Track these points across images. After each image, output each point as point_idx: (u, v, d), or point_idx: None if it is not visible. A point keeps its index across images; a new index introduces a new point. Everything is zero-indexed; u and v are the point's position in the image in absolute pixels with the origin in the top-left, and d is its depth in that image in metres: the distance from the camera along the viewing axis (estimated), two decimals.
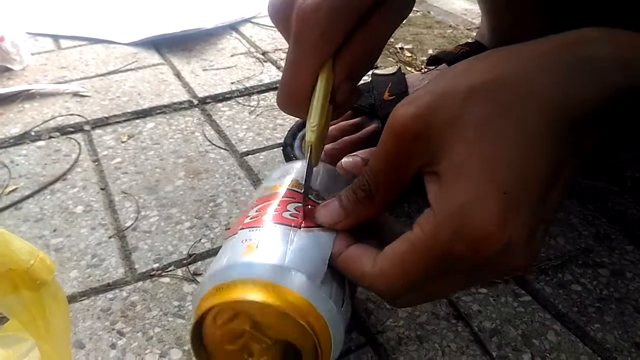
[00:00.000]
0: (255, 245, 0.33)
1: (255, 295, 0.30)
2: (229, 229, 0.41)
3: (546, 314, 0.47)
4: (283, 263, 0.31)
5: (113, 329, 0.44)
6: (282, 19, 0.38)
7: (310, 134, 0.37)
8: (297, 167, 0.42)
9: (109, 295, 0.47)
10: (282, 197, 0.37)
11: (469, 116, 0.27)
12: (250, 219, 0.36)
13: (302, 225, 0.34)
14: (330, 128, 0.63)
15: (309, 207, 0.36)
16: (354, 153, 0.56)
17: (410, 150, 0.29)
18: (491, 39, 0.68)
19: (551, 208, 0.29)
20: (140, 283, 0.49)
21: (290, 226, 0.34)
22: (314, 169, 0.40)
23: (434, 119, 0.28)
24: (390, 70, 0.68)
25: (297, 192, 0.38)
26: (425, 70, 0.70)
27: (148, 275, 0.49)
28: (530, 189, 0.27)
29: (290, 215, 0.35)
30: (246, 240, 0.33)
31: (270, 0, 0.38)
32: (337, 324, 0.32)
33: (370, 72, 0.69)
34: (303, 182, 0.38)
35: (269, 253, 0.32)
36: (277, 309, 0.30)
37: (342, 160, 0.56)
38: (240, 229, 0.35)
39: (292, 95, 0.39)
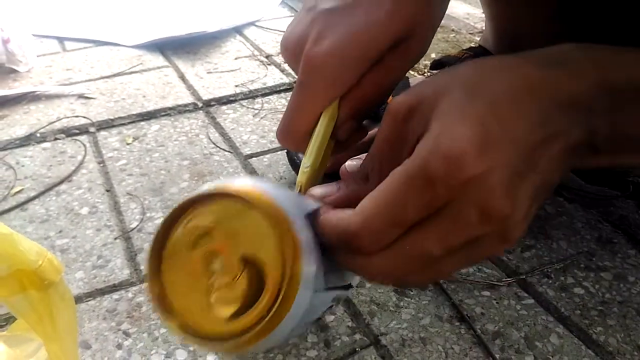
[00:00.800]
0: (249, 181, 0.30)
1: (245, 193, 0.28)
2: None
3: (549, 317, 0.47)
4: (272, 194, 0.28)
5: (119, 330, 0.45)
6: (293, 58, 0.37)
7: (301, 174, 0.37)
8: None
9: (115, 296, 0.48)
10: None
11: (454, 87, 0.28)
12: None
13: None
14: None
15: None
16: (358, 156, 0.57)
17: (404, 127, 0.29)
18: (495, 43, 0.69)
19: (544, 166, 0.28)
20: (146, 284, 0.49)
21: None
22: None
23: (425, 93, 0.28)
24: None
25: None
26: (429, 74, 0.70)
27: None
28: (512, 135, 0.27)
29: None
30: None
31: (284, 35, 0.38)
32: (309, 260, 0.28)
33: None
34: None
35: (264, 184, 0.29)
36: (263, 211, 0.27)
37: (346, 162, 0.57)
38: None
39: (292, 133, 0.38)
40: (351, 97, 0.36)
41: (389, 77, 0.36)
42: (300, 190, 0.36)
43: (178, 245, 0.29)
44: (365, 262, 0.29)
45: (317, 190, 0.33)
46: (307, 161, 0.37)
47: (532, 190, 0.28)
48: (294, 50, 0.37)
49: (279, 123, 0.38)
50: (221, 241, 0.29)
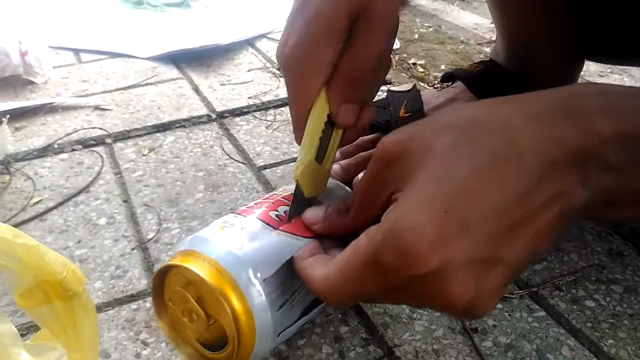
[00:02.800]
0: (226, 228, 0.37)
1: (200, 269, 0.34)
2: None
3: (560, 329, 0.47)
4: (236, 251, 0.34)
5: (137, 339, 0.46)
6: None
7: (295, 170, 0.39)
8: None
9: (133, 305, 0.49)
10: (280, 197, 0.41)
11: (437, 144, 0.28)
12: (246, 207, 0.40)
13: (280, 227, 0.37)
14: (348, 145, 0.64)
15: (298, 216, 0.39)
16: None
17: (385, 174, 0.30)
18: (506, 56, 0.70)
19: (512, 251, 0.27)
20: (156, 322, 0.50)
21: (268, 225, 0.37)
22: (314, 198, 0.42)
23: (409, 144, 0.29)
24: (406, 87, 0.70)
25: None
26: (440, 86, 0.71)
27: None
28: (483, 219, 0.26)
29: (276, 216, 0.38)
30: (226, 222, 0.38)
31: (277, 46, 0.40)
32: (264, 323, 0.34)
33: (386, 89, 0.71)
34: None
35: (231, 239, 0.36)
36: (211, 287, 0.33)
37: (358, 175, 0.58)
38: (231, 211, 0.40)
39: (297, 132, 0.40)
40: (335, 81, 0.38)
41: (364, 50, 0.37)
42: (296, 187, 0.40)
43: (167, 297, 0.37)
44: (323, 299, 0.32)
45: (307, 215, 0.37)
46: (299, 155, 0.39)
47: (503, 272, 0.27)
48: (279, 61, 0.40)
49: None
50: (192, 301, 0.35)
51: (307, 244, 0.36)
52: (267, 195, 0.43)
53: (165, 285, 0.37)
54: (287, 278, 0.35)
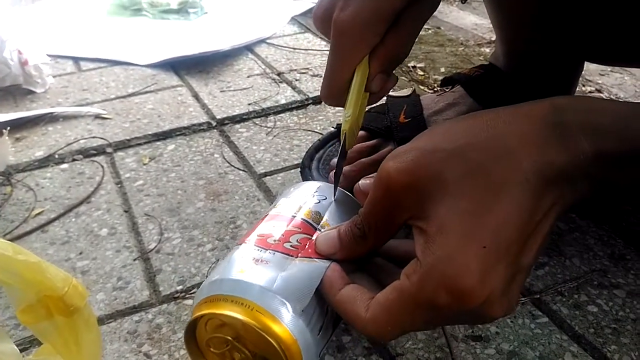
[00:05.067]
0: (251, 266, 0.37)
1: (238, 312, 0.34)
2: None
3: (563, 336, 0.47)
4: (271, 287, 0.35)
5: (140, 352, 0.46)
6: (323, 25, 0.43)
7: (345, 123, 0.44)
8: (317, 193, 0.44)
9: (135, 317, 0.49)
10: (292, 226, 0.40)
11: (449, 174, 0.30)
12: (258, 236, 0.39)
13: (300, 254, 0.37)
14: (349, 150, 0.64)
15: (312, 238, 0.39)
16: (371, 175, 0.58)
17: (397, 201, 0.32)
18: (505, 60, 0.70)
19: (528, 259, 0.31)
20: (165, 305, 0.50)
21: (288, 255, 0.37)
22: (327, 200, 0.44)
23: (419, 174, 0.31)
24: (405, 92, 0.70)
25: (309, 224, 0.41)
26: (439, 90, 0.71)
27: (172, 298, 0.51)
28: (507, 243, 0.29)
29: (291, 246, 0.38)
30: (244, 258, 0.38)
31: (314, 7, 0.44)
32: (310, 350, 0.35)
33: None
34: (317, 212, 0.42)
35: (261, 276, 0.35)
36: (255, 328, 0.34)
37: (359, 182, 0.57)
38: (245, 243, 0.39)
39: (332, 90, 0.44)
40: (378, 54, 0.42)
41: (407, 34, 0.42)
42: (344, 138, 0.44)
43: (205, 344, 0.37)
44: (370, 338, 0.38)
45: (322, 246, 0.38)
46: (347, 111, 0.44)
47: (522, 278, 0.32)
48: (323, 18, 0.43)
49: (321, 85, 0.44)
50: (233, 342, 0.36)
51: (329, 267, 0.37)
52: (270, 212, 0.43)
53: (199, 334, 0.37)
54: (319, 301, 0.36)
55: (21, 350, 0.45)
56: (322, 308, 0.37)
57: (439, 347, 0.46)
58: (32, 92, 0.89)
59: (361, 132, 0.64)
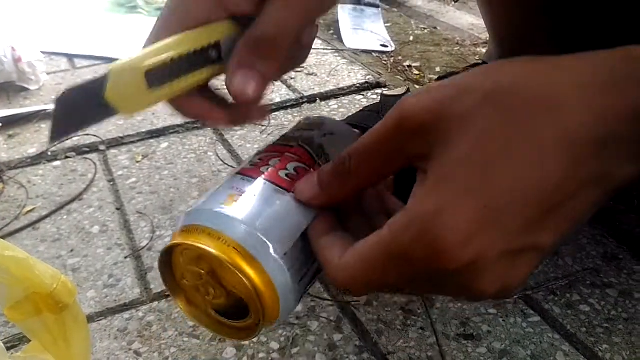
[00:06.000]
0: (236, 198, 0.33)
1: (214, 247, 0.31)
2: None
3: (555, 335, 0.47)
4: (253, 224, 0.31)
5: (130, 349, 0.45)
6: None
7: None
8: (324, 127, 0.40)
9: (126, 315, 0.49)
10: (288, 152, 0.36)
11: (479, 119, 0.25)
12: (251, 165, 0.36)
13: (293, 190, 0.33)
14: None
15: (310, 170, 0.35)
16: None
17: (408, 139, 0.27)
18: (498, 58, 0.70)
19: (546, 238, 0.26)
20: (155, 303, 0.50)
21: (280, 187, 0.33)
22: (333, 136, 0.38)
23: (443, 114, 0.26)
24: (399, 91, 0.69)
25: (307, 150, 0.36)
26: None
27: (163, 296, 0.50)
28: (518, 209, 0.24)
29: (287, 175, 0.34)
30: (234, 188, 0.34)
31: None
32: (287, 296, 0.32)
33: (379, 92, 0.70)
34: (320, 145, 0.36)
35: (244, 210, 0.32)
36: (229, 266, 0.31)
37: None
38: (237, 173, 0.35)
39: None
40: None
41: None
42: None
43: (179, 274, 0.34)
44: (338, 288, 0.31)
45: (301, 192, 0.32)
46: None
47: (536, 257, 0.26)
48: None
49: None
50: (207, 277, 0.33)
51: (321, 211, 0.32)
52: (272, 145, 0.38)
53: (175, 263, 0.34)
54: (305, 247, 0.32)
55: (9, 348, 0.45)
56: (308, 255, 0.33)
57: (430, 346, 0.46)
58: (25, 89, 0.88)
59: (355, 132, 0.62)
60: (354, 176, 0.29)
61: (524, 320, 0.48)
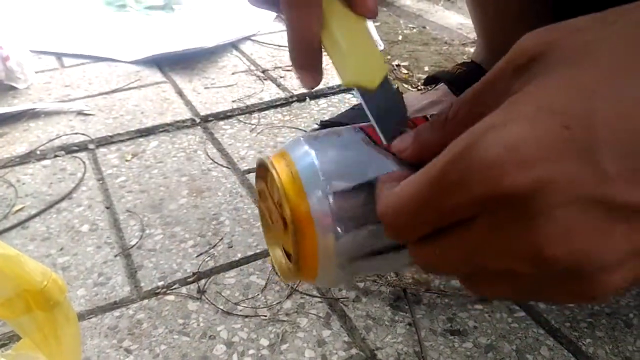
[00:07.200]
0: (324, 133, 0.30)
1: (273, 161, 0.29)
2: None
3: (540, 329, 0.48)
4: (316, 154, 0.29)
5: (120, 347, 0.46)
6: None
7: (347, 72, 0.31)
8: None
9: (116, 313, 0.49)
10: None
11: (601, 45, 0.20)
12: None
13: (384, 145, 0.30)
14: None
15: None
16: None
17: (511, 79, 0.22)
18: (486, 57, 0.71)
19: None
20: (145, 301, 0.50)
21: (370, 138, 0.30)
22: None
23: (562, 43, 0.21)
24: None
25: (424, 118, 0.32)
26: (423, 89, 0.72)
27: (153, 294, 0.51)
28: (632, 149, 0.18)
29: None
30: (350, 129, 0.31)
31: None
32: (328, 238, 0.28)
33: None
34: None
35: (321, 142, 0.29)
36: (276, 183, 0.29)
37: None
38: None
39: (308, 45, 0.32)
40: None
41: None
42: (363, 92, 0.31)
43: (258, 191, 0.32)
44: (409, 245, 0.25)
45: (397, 142, 0.28)
46: (342, 55, 0.31)
47: (626, 231, 0.18)
48: None
49: (290, 52, 0.33)
50: (273, 203, 0.31)
51: (400, 168, 0.28)
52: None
53: (259, 180, 0.32)
54: (368, 199, 0.28)
55: (0, 347, 0.45)
56: (370, 210, 0.28)
57: (417, 341, 0.46)
58: (14, 88, 0.88)
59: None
60: (449, 124, 0.25)
61: (509, 316, 0.49)
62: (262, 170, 0.31)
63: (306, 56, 0.31)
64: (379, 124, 0.30)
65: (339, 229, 0.28)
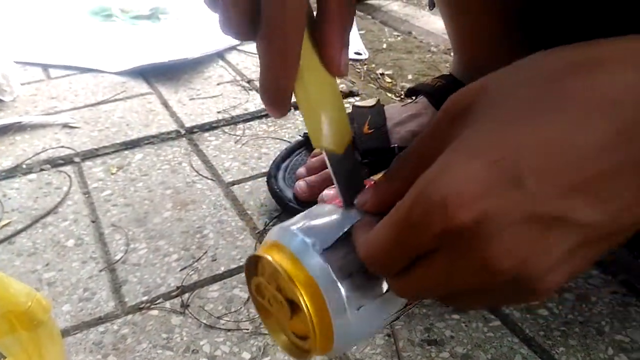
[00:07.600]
0: (311, 214, 0.33)
1: (263, 251, 0.31)
2: None
3: (514, 338, 0.50)
4: (294, 225, 0.31)
5: None
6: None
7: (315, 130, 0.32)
8: None
9: (101, 328, 0.50)
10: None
11: (514, 87, 0.24)
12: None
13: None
14: (312, 160, 0.66)
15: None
16: (333, 186, 0.59)
17: (448, 129, 0.25)
18: (462, 70, 0.72)
19: (587, 211, 0.22)
20: (130, 316, 0.51)
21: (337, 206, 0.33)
22: None
23: (482, 96, 0.25)
24: (370, 102, 0.71)
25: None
26: (405, 100, 0.73)
27: (137, 308, 0.52)
28: (549, 170, 0.21)
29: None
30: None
31: None
32: (332, 292, 0.29)
33: (352, 101, 0.72)
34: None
35: (296, 219, 0.32)
36: (270, 262, 0.31)
37: (323, 192, 0.59)
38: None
39: (279, 88, 0.31)
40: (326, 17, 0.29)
41: None
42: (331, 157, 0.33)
43: (255, 287, 0.34)
44: (389, 280, 0.28)
45: (359, 198, 0.31)
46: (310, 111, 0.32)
47: (575, 235, 0.22)
48: None
49: (261, 90, 0.30)
50: (274, 291, 0.33)
51: (365, 217, 0.31)
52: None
53: (252, 278, 0.34)
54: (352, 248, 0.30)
55: None
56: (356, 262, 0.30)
57: (395, 352, 0.48)
58: (0, 101, 0.88)
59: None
60: (397, 178, 0.28)
61: (485, 325, 0.51)
62: (253, 266, 0.34)
63: (276, 97, 0.31)
64: (340, 185, 0.33)
65: (338, 281, 0.30)
